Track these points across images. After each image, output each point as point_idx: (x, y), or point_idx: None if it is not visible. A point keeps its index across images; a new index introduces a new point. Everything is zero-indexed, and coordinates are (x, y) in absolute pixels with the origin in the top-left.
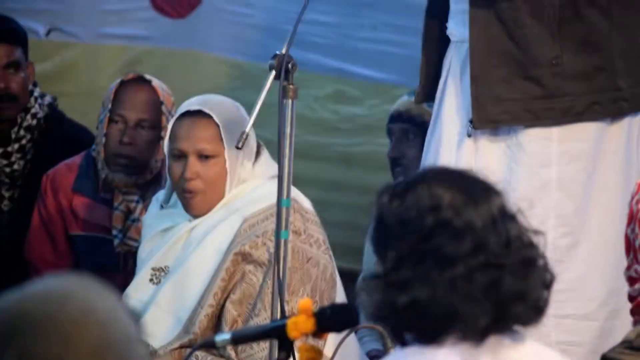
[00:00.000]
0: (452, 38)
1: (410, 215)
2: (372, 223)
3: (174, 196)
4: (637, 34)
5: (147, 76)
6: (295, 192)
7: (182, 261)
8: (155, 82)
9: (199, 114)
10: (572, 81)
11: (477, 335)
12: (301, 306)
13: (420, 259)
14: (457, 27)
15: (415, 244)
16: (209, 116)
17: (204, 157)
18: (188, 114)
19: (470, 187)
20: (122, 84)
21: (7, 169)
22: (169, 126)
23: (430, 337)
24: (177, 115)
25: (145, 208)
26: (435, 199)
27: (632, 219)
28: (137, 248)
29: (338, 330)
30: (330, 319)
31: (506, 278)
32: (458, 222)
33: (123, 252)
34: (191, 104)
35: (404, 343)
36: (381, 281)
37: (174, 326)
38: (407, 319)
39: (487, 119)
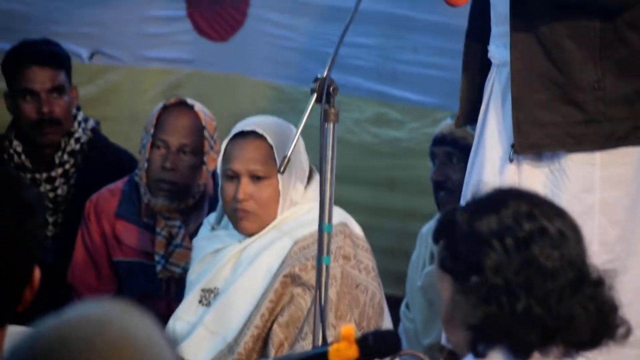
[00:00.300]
0: (493, 61)
1: (507, 223)
2: (444, 242)
3: (225, 218)
4: None
5: (190, 101)
6: (347, 217)
7: (232, 282)
8: (198, 107)
9: (252, 134)
10: (614, 105)
11: (577, 348)
12: (344, 333)
13: (521, 266)
14: (499, 50)
15: (514, 250)
16: (262, 137)
17: (256, 178)
18: (241, 134)
19: (549, 203)
20: (165, 108)
21: (51, 194)
22: (223, 146)
23: (528, 348)
24: (230, 135)
25: (188, 234)
26: (529, 208)
27: None
28: (179, 274)
29: (381, 357)
30: (372, 346)
31: (601, 291)
32: (553, 230)
33: (165, 278)
34: (245, 124)
35: (481, 356)
36: (481, 289)
37: (219, 347)
38: (516, 327)
39: (528, 143)
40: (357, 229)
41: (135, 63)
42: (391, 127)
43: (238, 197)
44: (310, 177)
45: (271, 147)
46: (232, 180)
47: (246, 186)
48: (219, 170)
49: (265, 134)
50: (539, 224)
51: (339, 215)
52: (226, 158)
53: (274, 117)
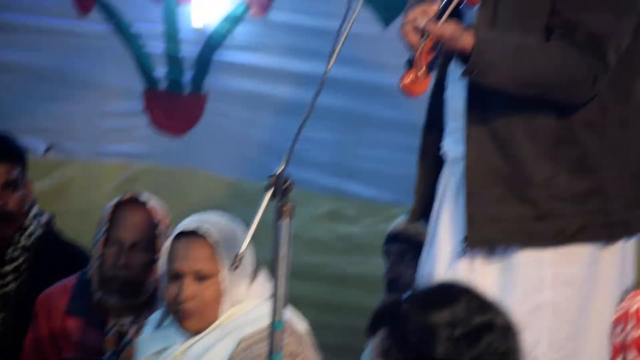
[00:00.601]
0: (448, 155)
1: (459, 315)
2: (388, 331)
3: (169, 317)
4: (632, 156)
5: (144, 197)
6: (291, 314)
7: None
8: (151, 204)
9: (195, 233)
10: (565, 203)
11: None
12: None
13: (470, 357)
14: (453, 145)
15: (465, 342)
16: (205, 236)
17: (200, 277)
18: (184, 233)
19: (493, 299)
20: (118, 205)
21: (0, 291)
22: (166, 246)
23: None
24: (173, 235)
25: (139, 330)
26: (479, 303)
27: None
28: None
29: None
30: None
31: None
32: (500, 325)
33: None
34: (188, 223)
35: None
36: None
37: None
38: None
39: (481, 237)
40: (300, 326)
41: (91, 158)
42: (346, 222)
43: (181, 297)
44: (256, 273)
45: (215, 245)
46: (176, 279)
47: (189, 286)
48: (162, 270)
49: (208, 233)
50: (488, 318)
51: None
52: (169, 258)
53: (217, 213)
